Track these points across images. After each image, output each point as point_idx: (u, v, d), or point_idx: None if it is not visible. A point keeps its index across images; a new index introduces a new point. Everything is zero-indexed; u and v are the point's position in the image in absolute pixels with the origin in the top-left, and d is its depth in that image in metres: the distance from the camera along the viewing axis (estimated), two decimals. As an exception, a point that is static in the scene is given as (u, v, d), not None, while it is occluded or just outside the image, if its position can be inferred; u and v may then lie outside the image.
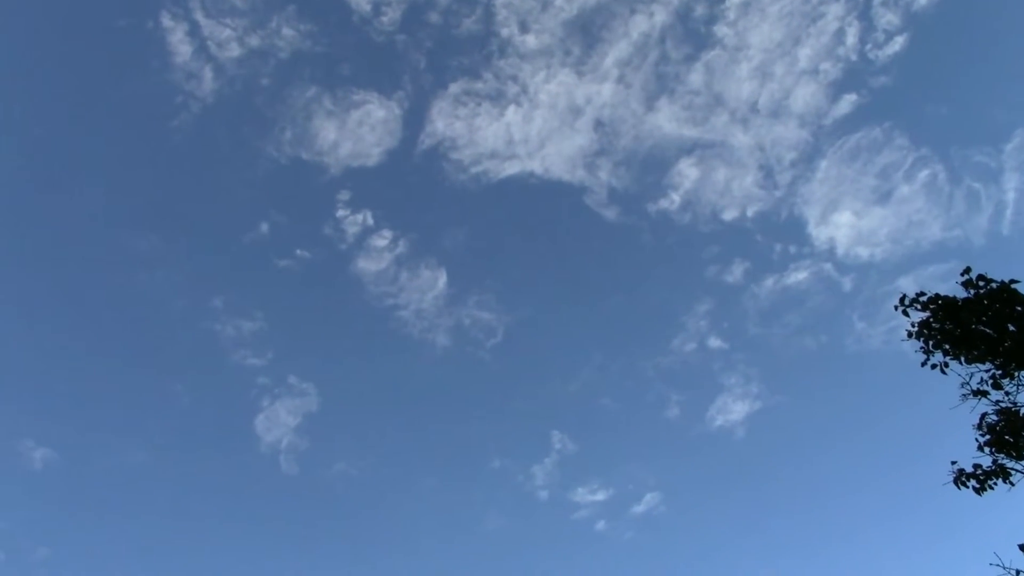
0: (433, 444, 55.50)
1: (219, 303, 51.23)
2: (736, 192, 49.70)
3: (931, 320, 11.78)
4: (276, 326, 52.48)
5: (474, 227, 55.05)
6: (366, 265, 52.10)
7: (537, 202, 54.11)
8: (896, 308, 12.15)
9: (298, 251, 51.55)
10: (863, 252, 48.40)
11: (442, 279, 52.47)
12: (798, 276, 48.92)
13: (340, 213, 51.26)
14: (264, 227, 51.10)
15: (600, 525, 50.24)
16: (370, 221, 51.49)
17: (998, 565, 11.17)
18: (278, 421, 50.67)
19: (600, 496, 50.15)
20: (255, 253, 52.45)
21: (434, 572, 51.60)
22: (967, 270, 11.67)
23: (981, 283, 11.58)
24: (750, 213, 49.32)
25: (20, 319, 49.30)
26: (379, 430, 54.93)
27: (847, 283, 48.51)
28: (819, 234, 49.05)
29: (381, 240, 51.42)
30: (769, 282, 50.19)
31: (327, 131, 51.53)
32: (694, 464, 52.72)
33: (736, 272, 50.23)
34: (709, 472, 52.34)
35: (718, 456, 51.31)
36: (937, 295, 11.82)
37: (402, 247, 51.86)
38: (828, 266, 48.63)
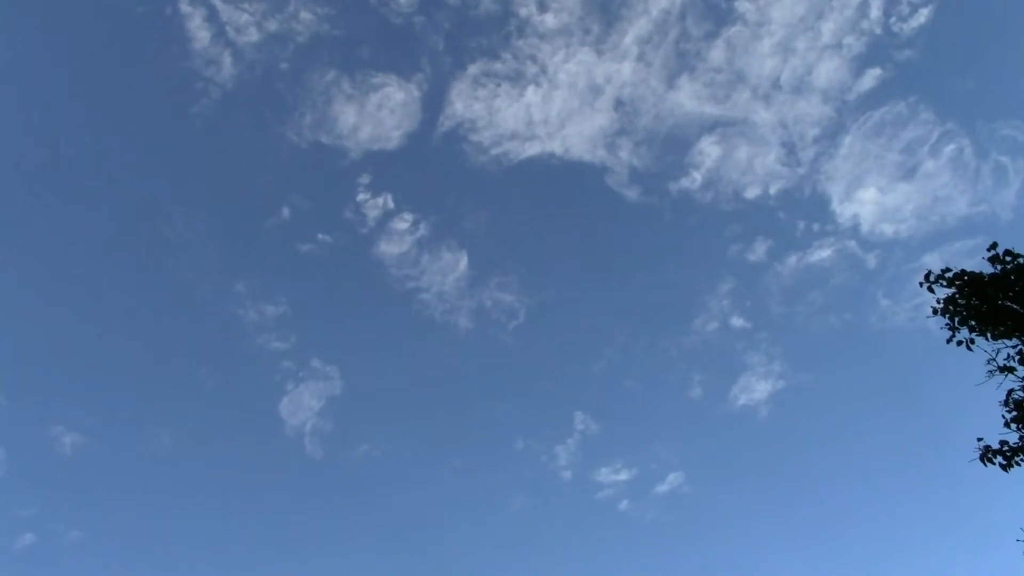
0: (456, 426, 55.88)
1: (242, 288, 51.67)
2: (758, 170, 49.23)
3: (957, 296, 11.69)
4: (299, 310, 52.87)
5: (495, 209, 54.99)
6: (387, 248, 52.25)
7: (558, 183, 53.91)
8: (921, 285, 12.08)
9: (320, 235, 51.78)
10: (888, 229, 47.87)
11: (463, 261, 52.53)
12: (822, 254, 48.45)
13: (361, 197, 51.40)
14: (285, 212, 51.37)
15: (623, 505, 50.43)
16: (391, 204, 51.57)
17: (1025, 541, 11.14)
18: (302, 404, 51.19)
19: (623, 476, 50.29)
20: (277, 238, 52.78)
21: (458, 553, 52.11)
22: (993, 245, 11.55)
23: (1008, 258, 11.46)
24: (773, 191, 48.85)
25: (48, 307, 50.06)
26: (402, 412, 55.37)
27: (871, 260, 48.01)
28: (843, 211, 48.52)
29: (402, 223, 51.52)
30: (792, 260, 49.78)
31: (347, 115, 51.61)
32: (717, 444, 52.68)
33: (759, 250, 49.85)
34: (732, 452, 52.30)
35: (741, 436, 51.20)
36: (963, 271, 11.72)
37: (423, 230, 51.93)
38: (852, 243, 48.14)
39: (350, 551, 52.53)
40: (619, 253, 55.29)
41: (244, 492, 52.40)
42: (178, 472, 50.92)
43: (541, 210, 55.12)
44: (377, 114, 51.07)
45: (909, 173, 47.09)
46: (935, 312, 12.02)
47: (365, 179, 51.70)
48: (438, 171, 54.46)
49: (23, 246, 49.33)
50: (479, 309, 52.47)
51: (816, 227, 48.63)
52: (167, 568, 48.73)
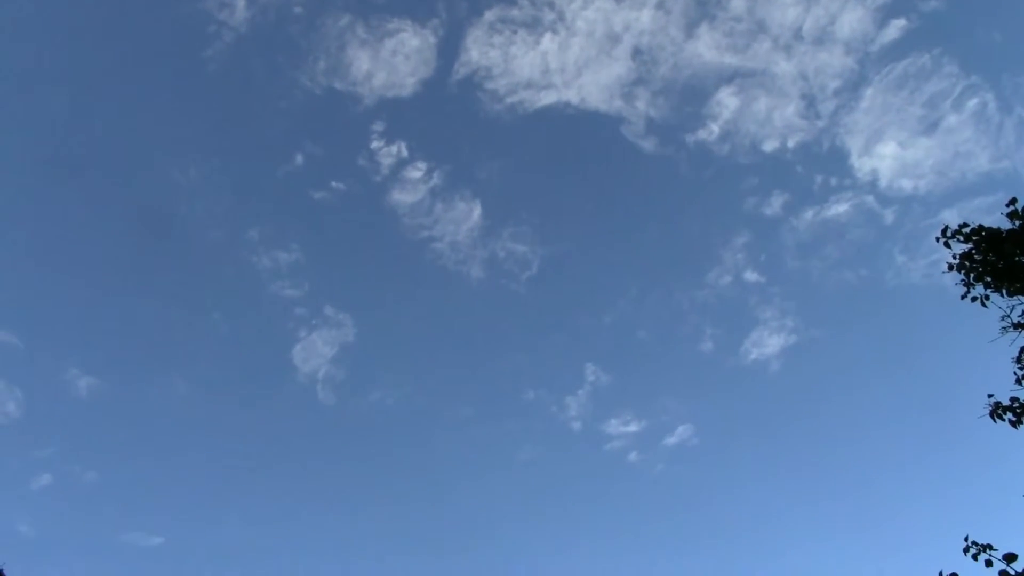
0: (468, 375, 56.37)
1: (255, 235, 51.89)
2: (777, 122, 48.58)
3: (973, 252, 11.57)
4: (312, 257, 53.09)
5: (509, 158, 54.67)
6: (401, 197, 52.20)
7: (573, 133, 53.44)
8: (938, 240, 11.94)
9: (333, 183, 51.77)
10: (906, 184, 47.34)
11: (477, 211, 52.44)
12: (839, 209, 48.07)
13: (374, 145, 51.21)
14: (299, 159, 51.30)
15: (632, 456, 51.00)
16: (404, 153, 51.38)
17: (1031, 497, 11.18)
18: (315, 351, 51.71)
19: (633, 428, 50.78)
20: (290, 185, 52.78)
21: (467, 500, 52.95)
22: (1013, 201, 11.38)
23: (1027, 214, 11.30)
24: (791, 144, 48.30)
25: (63, 253, 50.46)
26: (414, 361, 55.82)
27: (889, 216, 47.59)
28: (862, 165, 47.98)
29: (416, 172, 51.38)
30: (808, 215, 49.42)
31: (361, 61, 51.15)
32: (727, 397, 53.00)
33: (775, 204, 49.50)
34: (742, 405, 52.64)
35: (752, 390, 51.47)
36: (980, 226, 11.58)
37: (437, 179, 51.78)
38: (870, 198, 47.68)
39: (361, 496, 53.51)
40: (634, 205, 55.00)
41: (256, 437, 53.30)
42: (192, 416, 51.81)
43: (556, 160, 54.75)
44: (392, 60, 50.59)
45: (930, 127, 46.36)
46: (951, 268, 11.91)
47: (379, 126, 51.46)
48: (452, 119, 54.08)
49: (39, 194, 49.51)
50: (492, 259, 52.51)
51: (834, 181, 48.15)
52: (182, 510, 49.86)
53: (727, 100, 49.63)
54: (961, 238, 11.74)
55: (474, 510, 53.38)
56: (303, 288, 51.37)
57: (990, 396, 12.01)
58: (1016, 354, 11.81)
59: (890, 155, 47.76)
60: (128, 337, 53.00)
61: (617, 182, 54.82)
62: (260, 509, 51.94)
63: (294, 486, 52.88)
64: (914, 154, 47.61)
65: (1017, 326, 11.64)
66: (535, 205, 56.22)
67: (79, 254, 51.11)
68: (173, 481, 51.02)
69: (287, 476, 53.25)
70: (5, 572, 7.85)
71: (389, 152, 51.17)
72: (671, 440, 50.86)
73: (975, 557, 7.27)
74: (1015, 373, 11.85)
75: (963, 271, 11.75)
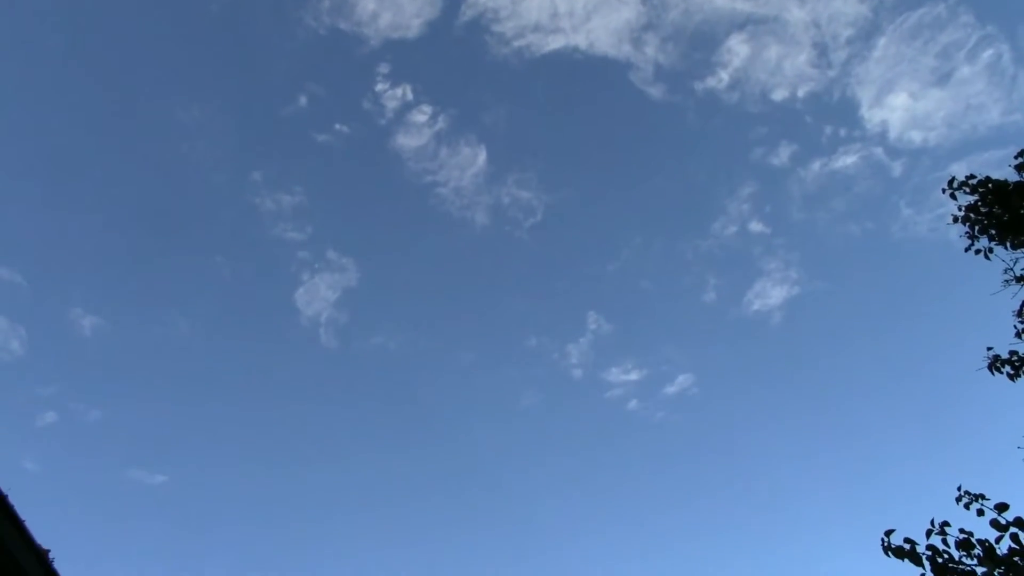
0: (470, 321, 56.52)
1: (258, 177, 51.39)
2: (788, 71, 47.68)
3: (979, 204, 11.46)
4: (315, 201, 52.71)
5: (516, 103, 53.80)
6: (405, 141, 51.58)
7: (581, 79, 52.50)
8: (944, 191, 11.82)
9: (337, 125, 51.04)
10: (916, 136, 46.68)
11: (482, 156, 51.89)
12: (847, 160, 47.43)
13: (379, 87, 50.33)
14: (303, 100, 50.48)
15: (632, 404, 51.39)
16: (410, 96, 50.55)
17: (1025, 449, 11.26)
18: (318, 295, 51.80)
19: (633, 376, 51.08)
20: (294, 127, 52.07)
21: (467, 445, 53.61)
22: (1022, 153, 11.24)
23: (1035, 167, 11.18)
24: (801, 93, 47.44)
25: (65, 192, 50.18)
26: (417, 306, 55.93)
27: (897, 168, 47.04)
28: (872, 116, 47.24)
29: (421, 115, 50.61)
30: (816, 166, 48.85)
31: (366, 0, 50.17)
32: (728, 348, 53.13)
33: (783, 155, 48.89)
34: (743, 356, 52.80)
35: (753, 341, 51.57)
36: (988, 178, 11.45)
37: (442, 123, 51.07)
38: (879, 150, 47.05)
39: (361, 440, 54.17)
40: (640, 153, 54.41)
41: (258, 378, 53.71)
42: (194, 357, 52.08)
43: (562, 106, 53.91)
44: (397, 0, 49.60)
45: (943, 79, 45.55)
46: (955, 220, 11.82)
47: (384, 68, 50.50)
48: (458, 63, 53.18)
49: (40, 129, 49.07)
50: (496, 205, 52.22)
51: (843, 132, 47.48)
52: (185, 449, 50.54)
53: (738, 47, 48.65)
54: (967, 190, 11.63)
55: (474, 455, 54.09)
56: (306, 231, 51.16)
57: (989, 349, 12.03)
58: (1017, 308, 11.79)
59: (901, 106, 47.02)
60: (130, 277, 52.85)
61: (624, 129, 54.05)
62: (262, 449, 52.63)
63: (295, 427, 53.51)
64: (925, 106, 46.87)
65: (1020, 279, 11.59)
66: (541, 151, 55.60)
67: (81, 192, 50.72)
68: (176, 420, 51.56)
69: (289, 417, 53.82)
70: (10, 500, 7.95)
71: (394, 95, 50.40)
72: (671, 389, 51.18)
73: (967, 506, 7.33)
74: (1015, 327, 11.85)
75: (968, 223, 11.66)
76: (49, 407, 46.46)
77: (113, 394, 50.35)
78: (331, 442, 53.27)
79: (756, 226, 49.40)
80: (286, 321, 53.05)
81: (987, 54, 43.99)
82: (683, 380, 50.21)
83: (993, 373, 11.95)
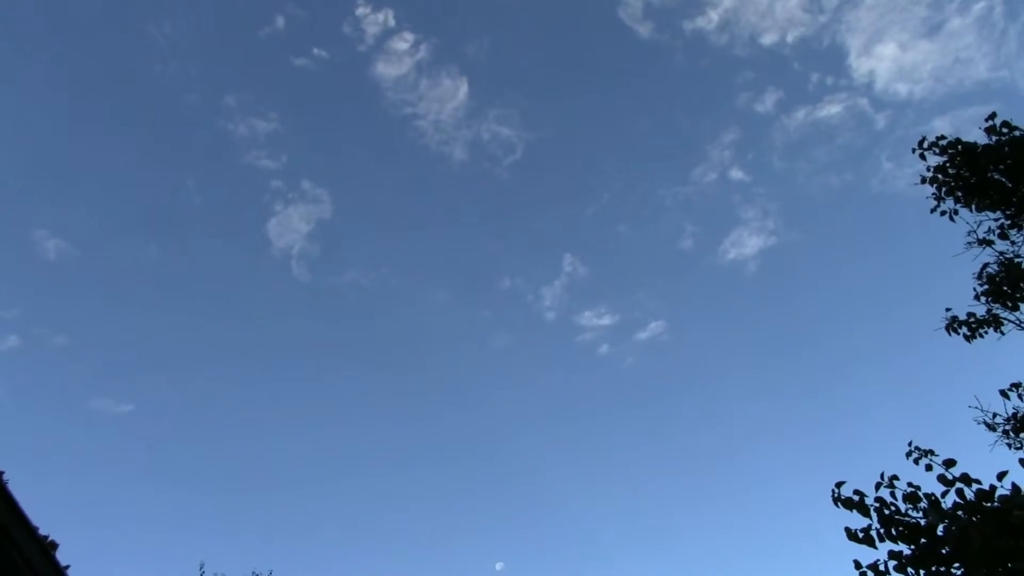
0: (444, 259, 56.31)
1: (232, 100, 50.12)
2: (778, 14, 47.10)
3: (947, 165, 11.51)
4: (291, 128, 51.62)
5: (500, 36, 52.59)
6: (385, 70, 50.41)
7: (568, 14, 51.41)
8: (914, 151, 11.84)
9: (315, 50, 49.63)
10: (902, 89, 46.66)
11: (463, 89, 50.93)
12: (831, 110, 47.27)
13: (360, 11, 48.87)
14: (280, 21, 48.90)
15: (603, 349, 51.92)
16: (391, 22, 49.20)
17: (976, 407, 11.53)
18: (290, 226, 51.20)
19: (606, 321, 51.49)
20: (271, 49, 50.56)
21: (440, 384, 53.94)
22: (992, 115, 11.26)
23: (1005, 130, 11.20)
24: (790, 39, 46.94)
25: (29, 109, 48.57)
26: (391, 242, 55.49)
27: (881, 120, 47.04)
28: (859, 66, 47.03)
29: (402, 43, 49.31)
30: (800, 114, 48.72)
31: (350, -81, 48.59)
32: (702, 296, 53.62)
33: (768, 101, 48.63)
34: (716, 305, 53.37)
35: (727, 289, 52.06)
36: (958, 140, 11.48)
37: (424, 52, 49.84)
38: (864, 101, 46.99)
39: (331, 375, 54.21)
40: (625, 93, 53.75)
41: (229, 307, 53.28)
42: (163, 283, 51.42)
43: (548, 41, 52.88)
44: (383, -79, 48.11)
45: (933, 30, 45.39)
46: (923, 180, 11.87)
47: (365, -10, 49.12)
48: (443, -12, 51.89)
49: (8, 44, 47.29)
50: (476, 141, 51.55)
51: (829, 81, 47.27)
52: (152, 373, 50.23)
53: (729, -14, 47.86)
54: (937, 151, 11.66)
55: (446, 394, 54.53)
56: (280, 160, 50.14)
57: (948, 310, 12.23)
58: (977, 270, 11.95)
59: (889, 57, 46.81)
60: (98, 200, 51.57)
61: (609, 68, 53.15)
62: (231, 380, 52.52)
63: (265, 358, 53.35)
64: (913, 57, 46.73)
65: (982, 242, 11.73)
66: (523, 87, 54.61)
67: (47, 108, 49.06)
68: (144, 349, 51.11)
69: (258, 348, 53.63)
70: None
71: (375, 20, 49.00)
72: (643, 335, 51.73)
73: (916, 461, 7.49)
74: (974, 289, 12.03)
75: (935, 184, 11.72)
76: (11, 331, 45.70)
77: (78, 320, 49.67)
78: (300, 373, 53.23)
79: (736, 174, 49.43)
80: (258, 251, 52.48)
81: (979, 6, 43.88)
82: (655, 327, 50.76)
83: (950, 334, 12.16)
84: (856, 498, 6.65)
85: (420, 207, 55.56)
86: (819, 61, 47.90)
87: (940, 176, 11.62)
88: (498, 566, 43.55)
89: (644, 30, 48.44)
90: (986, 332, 11.95)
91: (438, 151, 51.33)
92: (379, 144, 54.42)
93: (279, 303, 53.35)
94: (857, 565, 6.55)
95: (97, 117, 50.80)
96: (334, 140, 54.26)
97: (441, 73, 51.13)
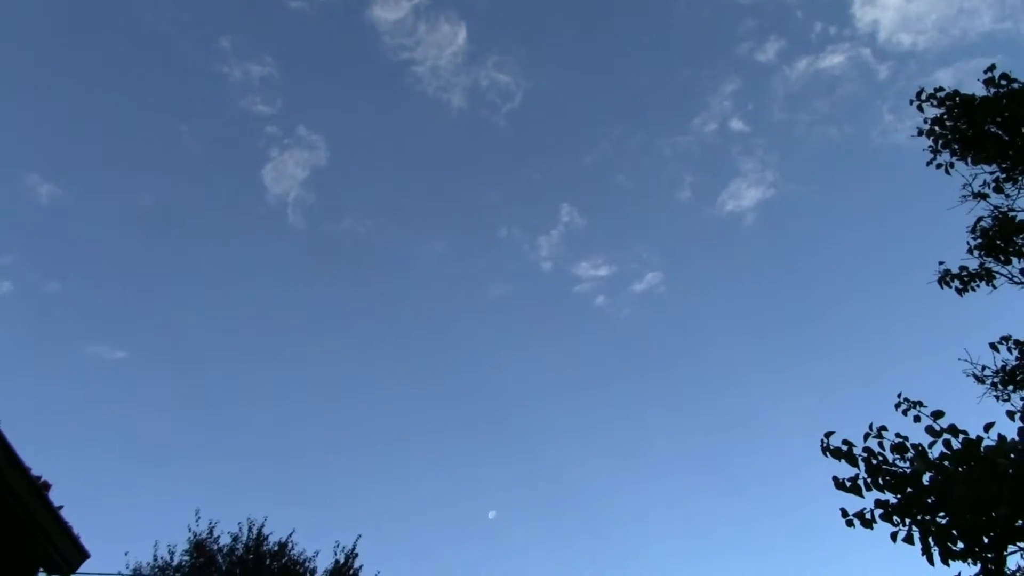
0: (441, 207, 56.08)
1: (227, 44, 49.25)
2: (783, -39, 46.30)
3: (945, 117, 11.42)
4: (286, 73, 50.87)
5: (500, -23, 51.62)
6: (383, 14, 49.53)
7: (571, -44, 50.39)
8: (911, 103, 11.74)
9: (311, -10, 48.67)
10: (906, 39, 46.11)
11: (462, 35, 50.15)
12: (833, 60, 46.78)
13: (359, -50, 47.89)
14: (276, -40, 47.88)
15: (599, 300, 52.06)
16: (389, -38, 48.19)
17: (966, 360, 11.63)
18: (286, 173, 50.84)
19: (603, 272, 51.57)
20: (265, -9, 49.60)
21: (436, 332, 54.11)
22: (991, 67, 11.14)
23: (1003, 82, 11.09)
24: (794, -15, 46.21)
25: (21, 53, 47.73)
26: (388, 189, 55.15)
27: (883, 71, 46.58)
28: (863, 15, 46.39)
29: (400, -16, 48.35)
30: (802, 64, 48.20)
31: None
32: (699, 247, 53.63)
33: (769, 51, 48.07)
34: (713, 256, 53.43)
35: (724, 241, 52.05)
36: (956, 91, 11.37)
37: (422, -5, 48.85)
38: (867, 51, 46.48)
39: (326, 324, 54.27)
40: (626, 41, 52.99)
41: (224, 255, 53.16)
42: (157, 229, 51.12)
43: (548, -16, 51.87)
44: None
45: (940, -24, 44.65)
46: (920, 133, 11.79)
47: (364, -70, 48.08)
48: (443, -73, 50.83)
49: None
50: (474, 88, 50.93)
51: (833, 31, 46.68)
52: (146, 325, 50.20)
53: (734, -73, 47.01)
54: (935, 103, 11.56)
55: (443, 344, 54.75)
56: (275, 105, 49.49)
57: (941, 263, 12.24)
58: (971, 224, 11.94)
59: (893, 6, 46.17)
60: (91, 145, 50.88)
61: (610, 15, 52.28)
62: (226, 328, 52.58)
63: (261, 306, 53.37)
64: (917, 7, 46.10)
65: (977, 196, 11.70)
66: (523, 33, 53.65)
67: (37, 54, 48.16)
68: (137, 295, 51.03)
69: (253, 295, 53.61)
70: None
71: (373, -40, 47.95)
72: (639, 286, 51.86)
73: (905, 412, 7.56)
74: (967, 243, 12.03)
75: (932, 137, 11.65)
76: (4, 277, 45.56)
77: (71, 266, 49.47)
78: (295, 321, 53.33)
79: (736, 124, 49.06)
80: (253, 198, 52.17)
81: (984, -45, 43.15)
82: (652, 278, 50.86)
83: (942, 287, 12.19)
84: (845, 448, 6.73)
85: (417, 154, 55.13)
86: (822, 10, 47.28)
87: (937, 128, 11.54)
88: (491, 514, 44.24)
89: (646, -24, 47.61)
90: (978, 286, 11.98)
91: (435, 97, 50.75)
92: (376, 89, 53.76)
93: (275, 251, 53.24)
94: (844, 513, 6.65)
95: (90, 61, 50.03)
96: (330, 85, 53.61)
97: (439, 17, 50.33)
